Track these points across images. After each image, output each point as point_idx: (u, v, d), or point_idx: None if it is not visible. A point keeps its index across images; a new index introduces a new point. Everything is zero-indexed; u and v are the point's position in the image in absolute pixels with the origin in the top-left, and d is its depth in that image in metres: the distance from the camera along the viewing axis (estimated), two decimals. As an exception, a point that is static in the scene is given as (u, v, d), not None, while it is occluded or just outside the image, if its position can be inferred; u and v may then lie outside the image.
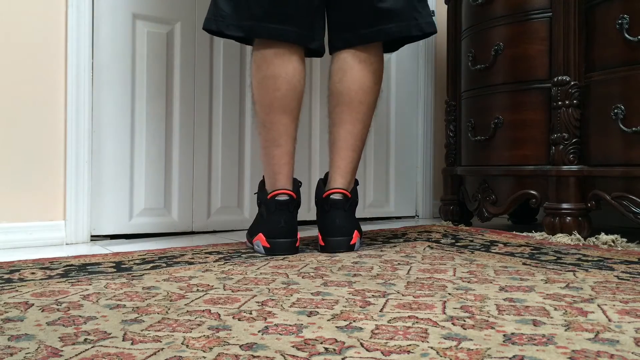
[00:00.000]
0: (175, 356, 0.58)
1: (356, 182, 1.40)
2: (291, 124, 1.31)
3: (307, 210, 1.99)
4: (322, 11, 1.34)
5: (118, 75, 1.64)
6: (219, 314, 0.74)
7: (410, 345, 0.61)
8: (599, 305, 0.78)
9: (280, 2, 1.26)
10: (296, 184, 1.34)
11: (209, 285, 0.93)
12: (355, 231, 1.32)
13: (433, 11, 1.41)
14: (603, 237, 1.43)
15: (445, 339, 0.63)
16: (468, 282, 0.95)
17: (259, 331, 0.67)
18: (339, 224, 1.30)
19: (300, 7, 1.28)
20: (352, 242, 1.31)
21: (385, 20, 1.32)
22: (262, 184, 1.36)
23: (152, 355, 0.58)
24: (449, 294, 0.86)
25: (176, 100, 1.75)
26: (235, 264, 1.13)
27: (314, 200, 1.50)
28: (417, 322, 0.70)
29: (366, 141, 1.40)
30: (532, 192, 1.63)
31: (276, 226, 1.26)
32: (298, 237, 1.29)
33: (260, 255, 1.26)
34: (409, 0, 1.33)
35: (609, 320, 0.71)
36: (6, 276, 1.00)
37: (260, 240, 1.27)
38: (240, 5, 1.27)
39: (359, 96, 1.33)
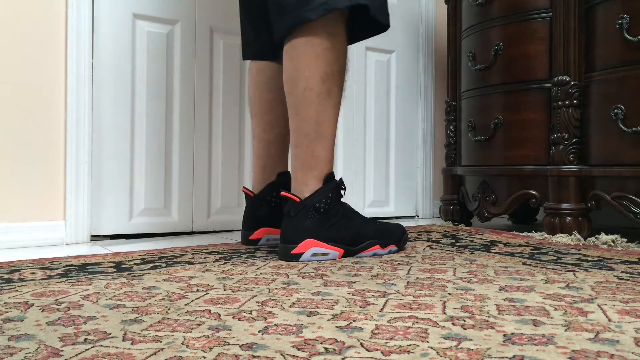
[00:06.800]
0: (175, 356, 0.58)
1: (327, 179, 1.22)
2: (256, 127, 1.44)
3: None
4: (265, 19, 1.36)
5: (118, 75, 1.64)
6: (219, 314, 0.74)
7: (410, 345, 0.61)
8: (599, 305, 0.78)
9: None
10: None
11: (209, 285, 0.93)
12: (307, 240, 1.17)
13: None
14: (603, 237, 1.43)
15: (445, 339, 0.63)
16: (468, 282, 0.95)
17: (259, 331, 0.67)
18: (282, 230, 1.20)
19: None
20: (293, 252, 1.17)
21: (280, 13, 1.24)
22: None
23: (152, 355, 0.58)
24: (449, 294, 0.86)
25: (176, 100, 1.75)
26: (235, 264, 1.13)
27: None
28: (417, 322, 0.70)
29: (320, 133, 1.21)
30: (532, 192, 1.63)
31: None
32: None
33: (260, 255, 1.26)
34: None
35: (609, 320, 0.71)
36: (6, 276, 1.00)
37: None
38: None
39: (287, 88, 1.25)
